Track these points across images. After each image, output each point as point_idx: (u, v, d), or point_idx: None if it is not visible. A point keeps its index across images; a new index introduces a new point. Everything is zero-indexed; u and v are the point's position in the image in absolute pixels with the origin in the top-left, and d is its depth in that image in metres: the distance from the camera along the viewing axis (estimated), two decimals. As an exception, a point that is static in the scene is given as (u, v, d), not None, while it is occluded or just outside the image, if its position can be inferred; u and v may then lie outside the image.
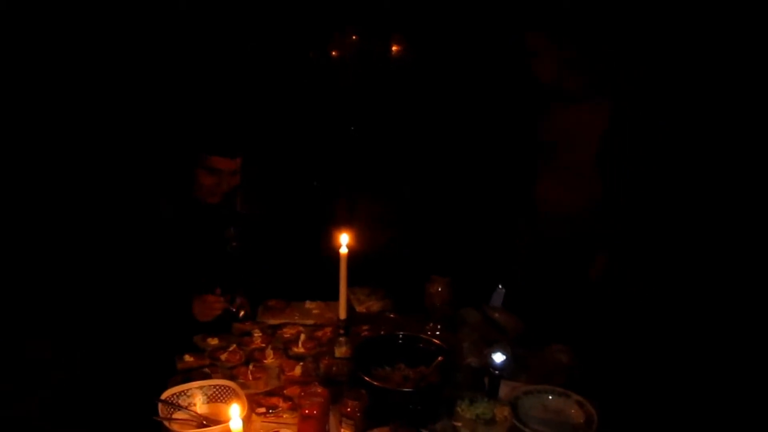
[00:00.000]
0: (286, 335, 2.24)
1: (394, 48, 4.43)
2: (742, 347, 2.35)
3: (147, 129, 3.16)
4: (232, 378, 1.92)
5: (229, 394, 1.78)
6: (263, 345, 2.15)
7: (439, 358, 1.83)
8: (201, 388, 1.78)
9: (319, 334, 2.24)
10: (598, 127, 2.32)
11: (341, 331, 1.92)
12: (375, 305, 2.49)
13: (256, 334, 2.21)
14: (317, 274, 2.50)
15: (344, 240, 1.84)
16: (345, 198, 3.92)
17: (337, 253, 1.87)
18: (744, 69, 2.58)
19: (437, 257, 2.96)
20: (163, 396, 1.72)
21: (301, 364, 2.00)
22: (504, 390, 1.82)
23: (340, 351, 1.92)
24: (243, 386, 1.84)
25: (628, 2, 2.51)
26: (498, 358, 1.74)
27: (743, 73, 2.58)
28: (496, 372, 1.75)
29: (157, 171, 2.45)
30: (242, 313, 2.35)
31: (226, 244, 2.52)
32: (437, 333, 2.10)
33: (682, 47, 2.62)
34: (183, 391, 1.76)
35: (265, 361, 2.05)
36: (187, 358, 2.04)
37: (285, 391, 1.87)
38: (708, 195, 2.47)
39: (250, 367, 1.99)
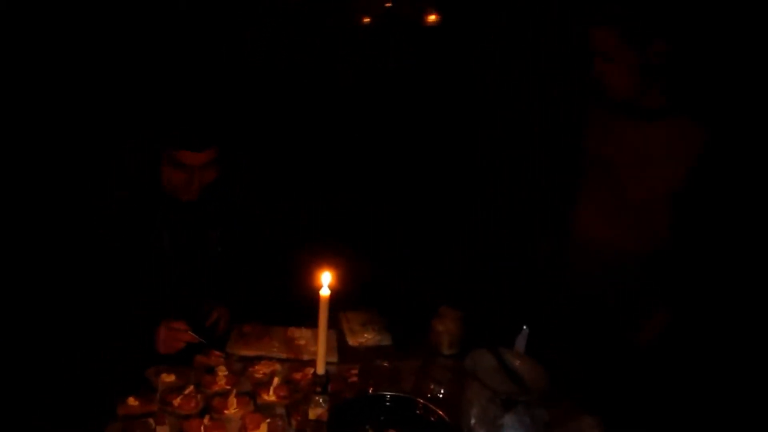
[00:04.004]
0: (257, 375, 1.85)
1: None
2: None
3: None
4: (180, 431, 1.56)
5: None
6: (227, 387, 1.76)
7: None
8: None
9: (298, 376, 1.84)
10: (672, 153, 1.84)
11: (318, 389, 1.53)
12: (370, 339, 2.10)
13: (220, 373, 1.82)
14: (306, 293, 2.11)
15: (326, 280, 1.44)
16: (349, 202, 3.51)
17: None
18: None
19: (446, 285, 2.52)
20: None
21: (269, 421, 1.61)
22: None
23: (315, 412, 1.53)
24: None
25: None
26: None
27: None
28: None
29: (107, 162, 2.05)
30: (221, 327, 2.09)
31: (207, 250, 2.17)
32: (440, 395, 1.69)
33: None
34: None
35: (225, 412, 1.66)
36: (131, 401, 1.65)
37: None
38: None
39: (205, 420, 1.60)
